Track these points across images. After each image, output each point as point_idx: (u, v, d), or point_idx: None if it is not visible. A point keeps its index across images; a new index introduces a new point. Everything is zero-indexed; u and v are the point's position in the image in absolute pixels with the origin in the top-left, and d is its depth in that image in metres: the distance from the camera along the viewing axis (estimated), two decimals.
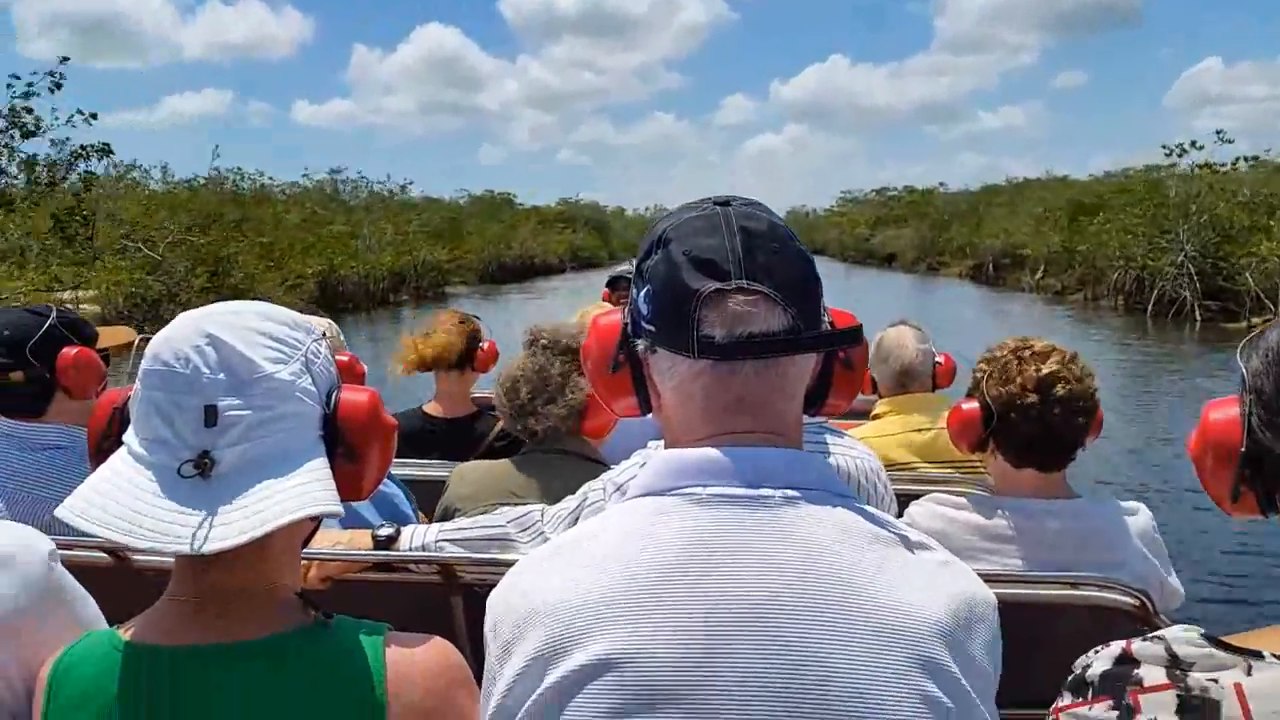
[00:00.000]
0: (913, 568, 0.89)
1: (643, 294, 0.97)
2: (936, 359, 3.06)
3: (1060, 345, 1.94)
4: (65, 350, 2.10)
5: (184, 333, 0.98)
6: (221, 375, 0.95)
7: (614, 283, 5.49)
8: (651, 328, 0.96)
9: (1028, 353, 1.90)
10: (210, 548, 0.89)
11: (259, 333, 0.99)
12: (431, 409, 3.21)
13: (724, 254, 0.92)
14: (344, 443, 1.00)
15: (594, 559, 0.89)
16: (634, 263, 1.03)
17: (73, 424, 2.10)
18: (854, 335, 0.97)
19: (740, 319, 0.91)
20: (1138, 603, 1.62)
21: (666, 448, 0.99)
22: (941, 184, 62.34)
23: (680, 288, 0.93)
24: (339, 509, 0.95)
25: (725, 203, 0.98)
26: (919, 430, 2.81)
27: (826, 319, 0.99)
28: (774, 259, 0.93)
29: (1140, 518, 1.91)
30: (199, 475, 0.92)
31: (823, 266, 0.98)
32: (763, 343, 0.91)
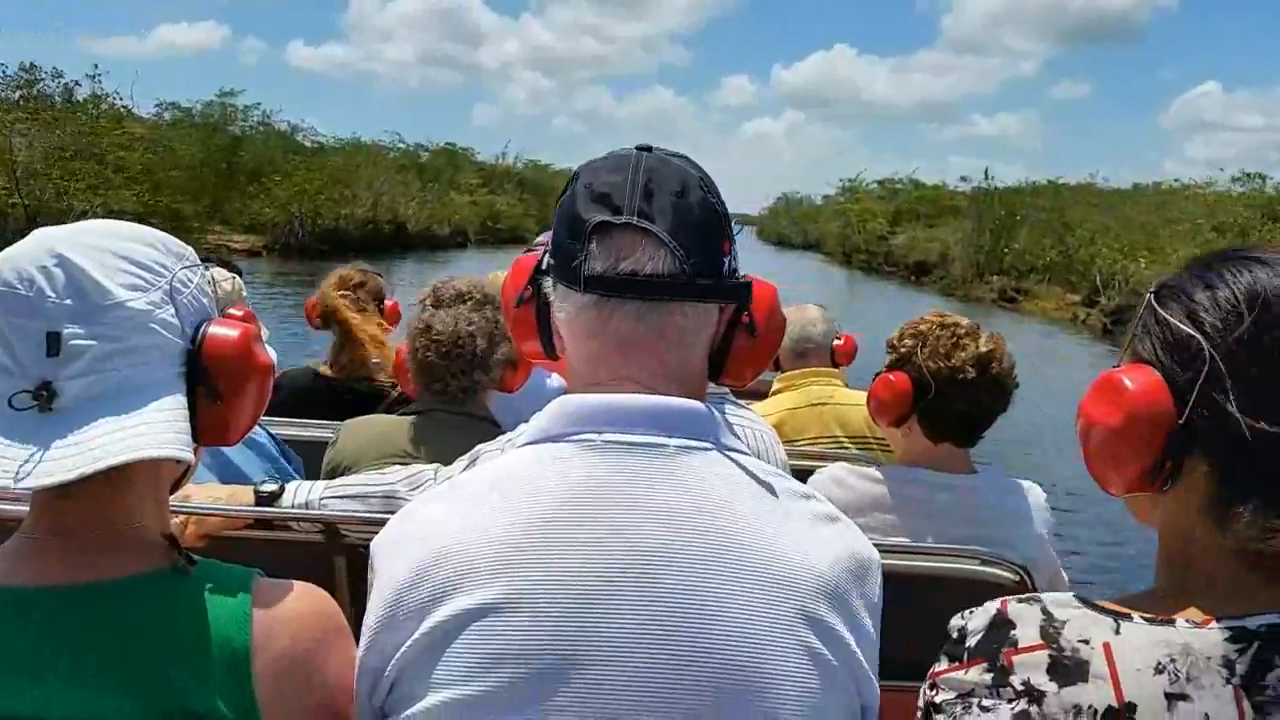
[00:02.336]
0: (802, 521, 0.90)
1: (552, 231, 0.96)
2: (837, 338, 3.11)
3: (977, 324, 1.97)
4: None
5: (32, 251, 0.90)
6: (69, 300, 0.87)
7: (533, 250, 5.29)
8: (552, 261, 0.95)
9: (960, 329, 1.93)
10: (33, 483, 0.82)
11: (118, 255, 0.91)
12: (325, 369, 3.08)
13: (622, 190, 0.91)
14: (208, 381, 0.92)
15: (481, 503, 0.88)
16: None
17: None
18: (741, 291, 0.96)
19: (624, 256, 0.90)
20: (1017, 578, 1.67)
21: (568, 394, 0.97)
22: (944, 183, 51.96)
23: (574, 218, 0.92)
24: (187, 454, 0.88)
25: (648, 149, 0.96)
26: (816, 404, 2.86)
27: (736, 280, 0.97)
28: (674, 202, 0.92)
29: (1034, 496, 1.96)
30: (35, 407, 0.85)
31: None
32: (643, 282, 0.90)
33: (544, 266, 0.98)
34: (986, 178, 37.55)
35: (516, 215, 55.14)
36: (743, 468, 0.91)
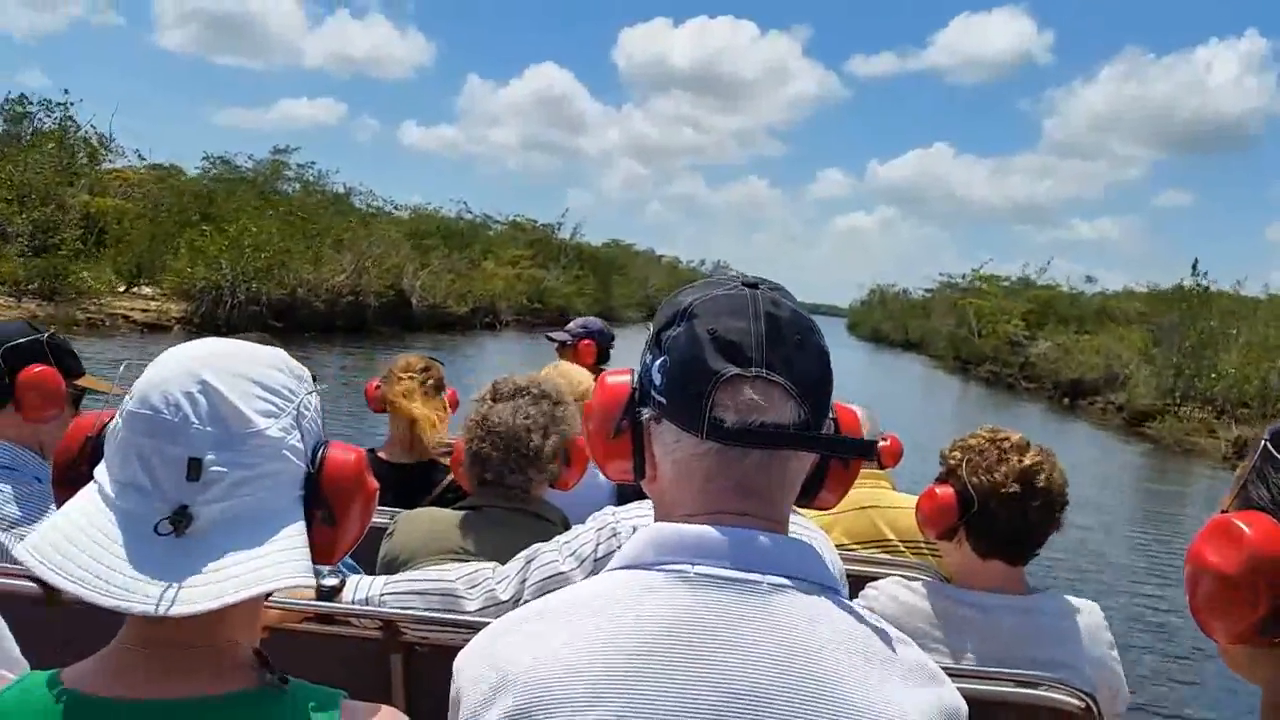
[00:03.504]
0: (893, 671, 0.88)
1: (658, 364, 0.95)
2: (883, 439, 3.08)
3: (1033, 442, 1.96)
4: (34, 365, 2.05)
5: (176, 375, 0.93)
6: (210, 428, 0.91)
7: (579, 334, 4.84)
8: (663, 399, 0.95)
9: (1007, 443, 1.91)
10: (176, 611, 0.85)
11: (254, 381, 0.95)
12: (385, 453, 3.14)
13: (748, 339, 0.92)
14: (325, 504, 0.96)
15: (571, 629, 0.87)
16: (651, 327, 1.02)
17: (17, 443, 2.04)
18: (867, 448, 0.97)
19: (754, 407, 0.90)
20: (1083, 705, 1.63)
21: (656, 520, 0.98)
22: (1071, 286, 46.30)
23: (699, 366, 0.92)
24: (310, 580, 0.91)
25: (754, 285, 0.97)
26: (863, 508, 2.82)
27: (832, 414, 0.98)
28: (795, 351, 0.93)
29: (1092, 617, 1.92)
30: (173, 533, 0.88)
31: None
32: (773, 434, 0.91)
33: (641, 396, 0.98)
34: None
35: (567, 294, 48.32)
36: (835, 610, 0.90)
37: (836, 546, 2.04)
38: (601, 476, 2.99)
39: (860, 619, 0.91)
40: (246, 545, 0.89)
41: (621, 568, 0.93)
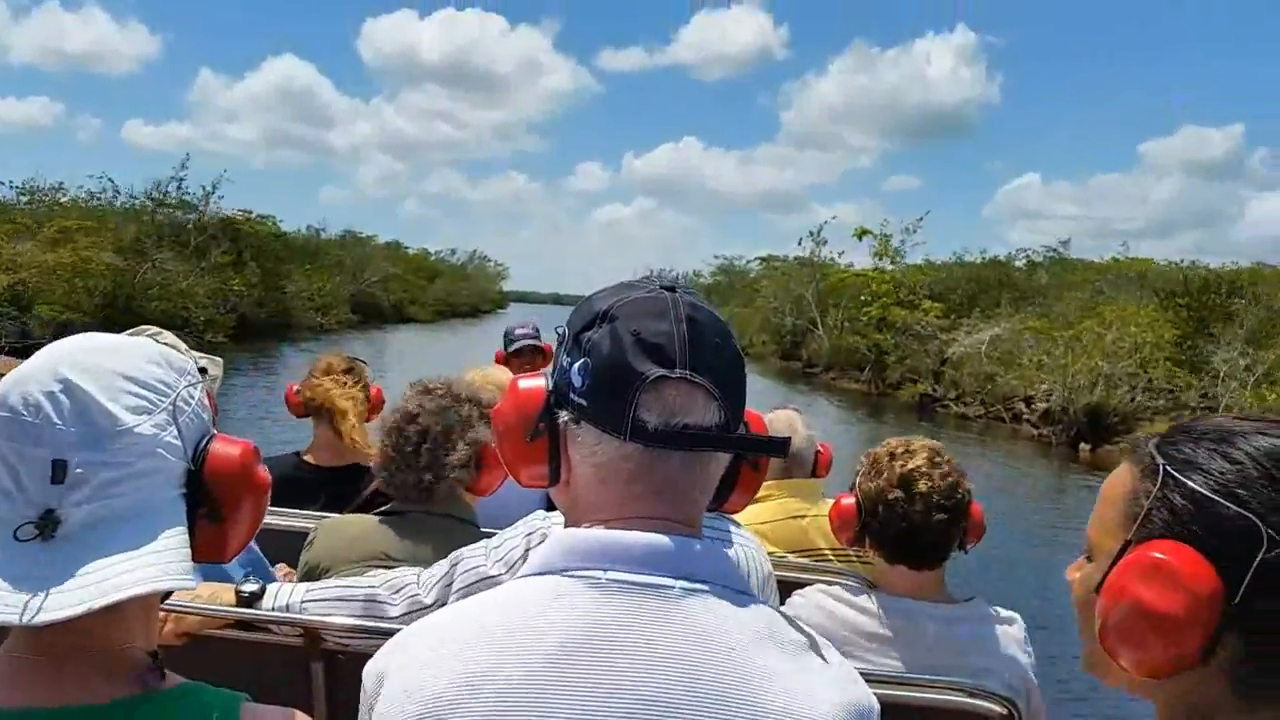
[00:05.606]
0: (807, 672, 0.88)
1: (577, 366, 0.93)
2: (817, 447, 3.11)
3: (936, 444, 1.98)
4: None
5: (38, 374, 0.88)
6: (74, 427, 0.86)
7: (516, 349, 4.68)
8: (584, 401, 0.93)
9: (901, 449, 1.94)
10: (42, 619, 0.80)
11: (123, 376, 0.90)
12: (311, 455, 3.07)
13: (671, 341, 0.91)
14: (209, 501, 0.91)
15: (478, 638, 0.86)
16: (562, 328, 1.00)
17: None
18: (782, 446, 0.97)
19: (678, 409, 0.90)
20: (1005, 711, 1.65)
21: (567, 525, 0.97)
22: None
23: (623, 367, 0.91)
24: (191, 583, 0.87)
25: (671, 288, 0.96)
26: (795, 516, 2.84)
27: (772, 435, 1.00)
28: (716, 354, 0.93)
29: (1015, 628, 1.95)
30: (39, 537, 0.83)
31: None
32: (696, 436, 0.91)
33: (558, 399, 0.96)
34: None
35: (184, 290, 30.87)
36: (747, 614, 0.89)
37: (768, 555, 2.06)
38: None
39: (775, 621, 0.90)
40: (121, 547, 0.85)
41: (532, 574, 0.91)
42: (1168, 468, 0.87)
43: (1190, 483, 0.85)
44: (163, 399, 0.91)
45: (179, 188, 36.50)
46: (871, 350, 32.64)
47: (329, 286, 47.64)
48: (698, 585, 0.88)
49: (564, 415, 0.95)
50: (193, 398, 0.94)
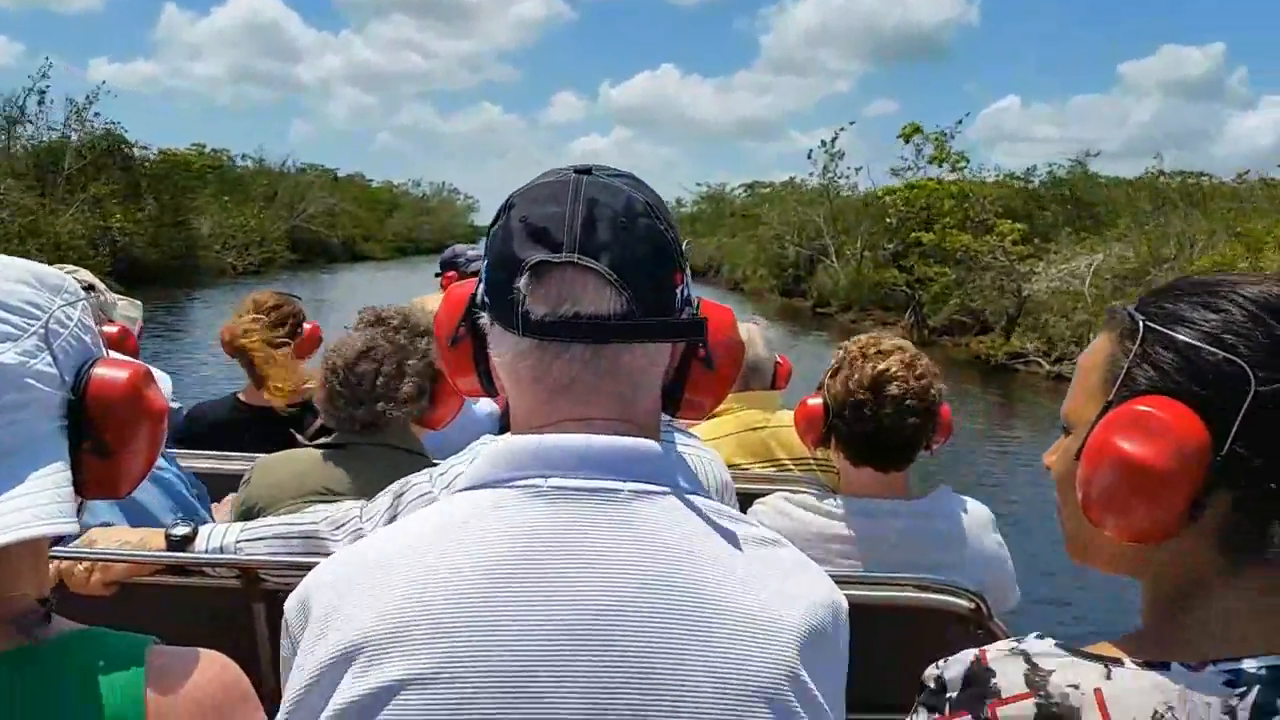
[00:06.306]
0: (770, 572, 0.82)
1: (486, 263, 0.89)
2: (776, 359, 3.07)
3: (907, 344, 1.94)
4: None
5: None
6: None
7: (448, 263, 4.48)
8: (487, 298, 0.88)
9: (872, 350, 1.89)
10: None
11: None
12: (245, 395, 2.94)
13: (559, 223, 0.83)
14: (93, 433, 0.81)
15: (410, 560, 0.79)
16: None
17: None
18: (694, 328, 0.89)
19: (565, 296, 0.82)
20: (973, 605, 1.62)
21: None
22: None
23: (509, 257, 0.84)
24: (73, 526, 0.77)
25: (587, 170, 0.89)
26: (754, 428, 2.81)
27: (692, 311, 0.91)
28: (618, 234, 0.84)
29: (980, 517, 1.93)
30: None
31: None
32: (588, 325, 0.83)
33: (479, 301, 0.90)
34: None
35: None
36: (704, 514, 0.83)
37: (728, 466, 2.01)
38: (480, 409, 2.88)
39: (734, 522, 0.85)
40: None
41: (468, 488, 0.85)
42: (1149, 323, 0.82)
43: (1174, 334, 0.80)
44: (31, 322, 0.81)
45: (40, 104, 29.92)
46: (912, 288, 24.03)
47: (255, 222, 41.65)
48: (648, 487, 0.82)
49: (485, 318, 0.89)
50: (70, 318, 0.84)
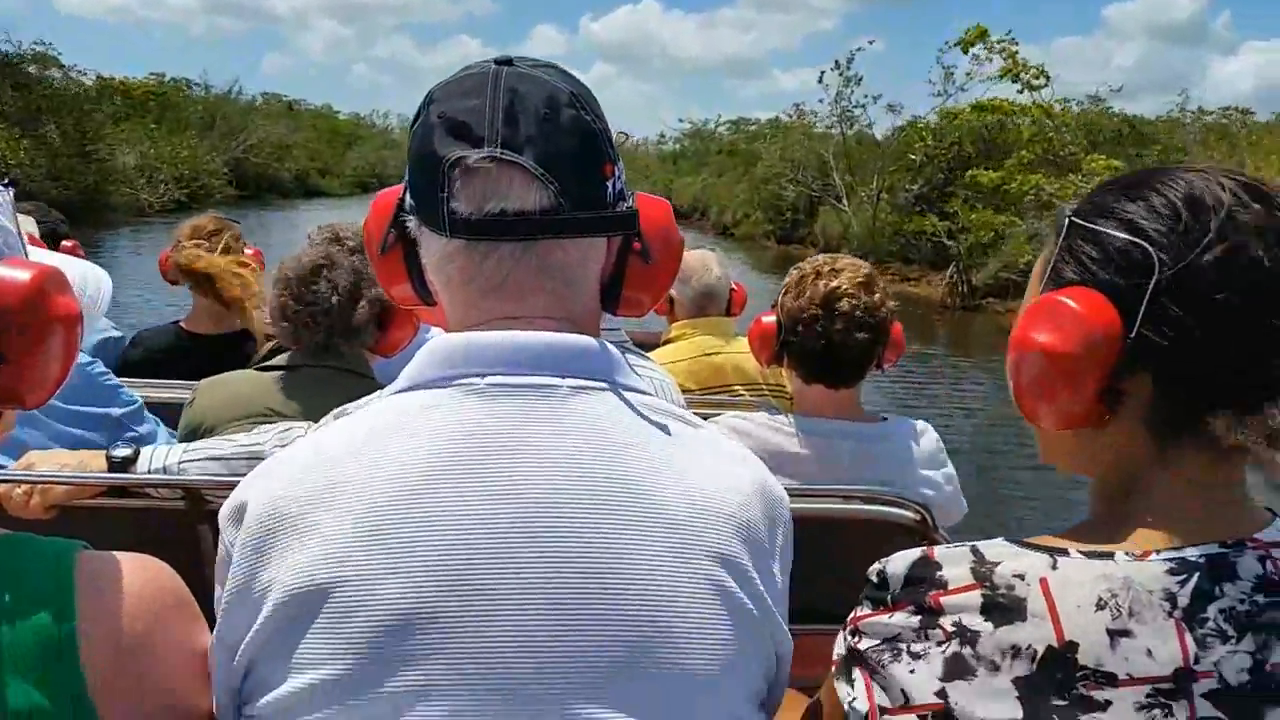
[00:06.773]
0: (710, 462, 0.83)
1: (408, 165, 0.86)
2: (731, 286, 3.08)
3: (862, 263, 1.94)
4: None
5: None
6: None
7: None
8: (413, 202, 0.85)
9: (827, 268, 1.89)
10: None
11: None
12: (187, 323, 2.87)
13: (480, 117, 0.81)
14: None
15: (344, 461, 0.77)
16: None
17: None
18: (626, 221, 0.87)
19: (489, 193, 0.80)
20: (918, 517, 1.65)
21: None
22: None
23: (429, 155, 0.81)
24: None
25: (508, 61, 0.85)
26: (709, 354, 2.82)
27: (626, 205, 0.88)
28: (541, 126, 0.81)
29: (927, 437, 1.96)
30: None
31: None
32: (515, 222, 0.80)
33: (405, 205, 0.87)
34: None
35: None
36: (643, 408, 0.83)
37: (682, 392, 2.01)
38: (431, 334, 2.83)
39: (675, 415, 0.85)
40: None
41: (404, 389, 0.83)
42: (1074, 219, 0.82)
43: (1096, 226, 0.80)
44: None
45: None
46: (955, 238, 19.06)
47: (186, 153, 37.13)
48: (587, 383, 0.81)
49: (412, 221, 0.86)
50: None
